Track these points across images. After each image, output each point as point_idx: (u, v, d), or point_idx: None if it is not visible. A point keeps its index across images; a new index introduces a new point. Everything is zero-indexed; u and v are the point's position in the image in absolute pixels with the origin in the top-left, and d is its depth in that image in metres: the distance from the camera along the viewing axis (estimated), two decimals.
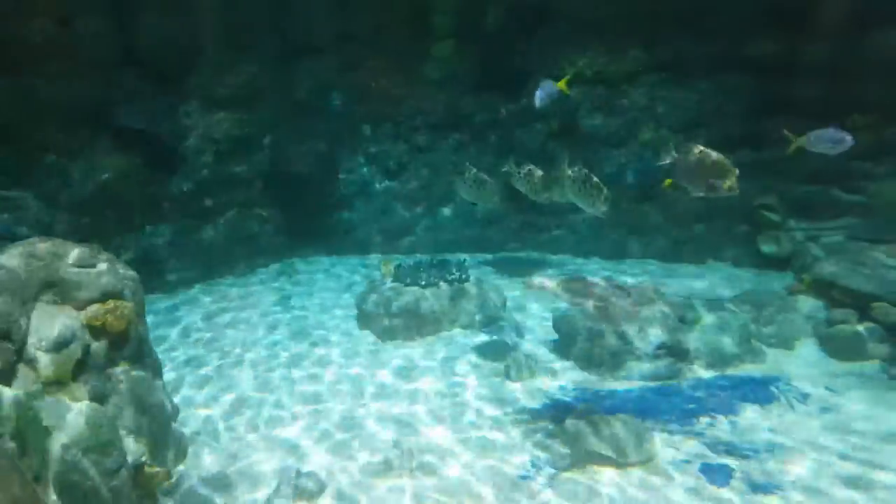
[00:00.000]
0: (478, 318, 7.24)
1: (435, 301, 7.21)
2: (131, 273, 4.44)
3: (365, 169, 10.44)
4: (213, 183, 9.15)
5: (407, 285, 7.36)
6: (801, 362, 6.04)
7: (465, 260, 8.35)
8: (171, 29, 8.73)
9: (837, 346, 6.09)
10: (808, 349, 6.23)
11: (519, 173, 7.67)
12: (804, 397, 5.46)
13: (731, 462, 4.65)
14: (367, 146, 10.43)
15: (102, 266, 4.20)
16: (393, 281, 7.48)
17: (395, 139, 10.40)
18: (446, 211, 10.36)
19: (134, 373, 4.20)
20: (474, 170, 7.80)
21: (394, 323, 7.06)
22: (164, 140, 8.86)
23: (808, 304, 6.45)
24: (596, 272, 8.90)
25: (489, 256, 9.81)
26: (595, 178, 6.30)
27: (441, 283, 7.43)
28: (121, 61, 8.39)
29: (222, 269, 9.14)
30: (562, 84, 7.04)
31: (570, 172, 6.45)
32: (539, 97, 6.79)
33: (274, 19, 9.69)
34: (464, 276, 7.57)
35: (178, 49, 8.87)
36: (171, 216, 8.79)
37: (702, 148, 5.33)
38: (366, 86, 10.20)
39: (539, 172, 7.54)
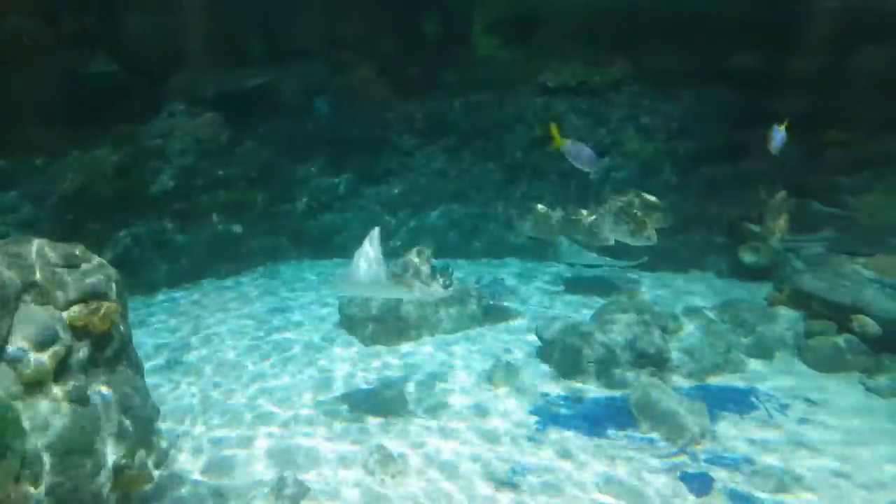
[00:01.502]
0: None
1: (417, 306, 7.20)
2: (115, 273, 4.39)
3: (349, 172, 10.43)
4: (196, 184, 9.09)
5: None
6: (781, 373, 6.12)
7: (448, 265, 8.36)
8: (158, 29, 8.69)
9: (816, 358, 6.19)
10: (787, 360, 6.33)
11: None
12: (783, 408, 5.54)
13: (711, 471, 4.70)
14: (351, 150, 10.42)
15: (86, 266, 4.15)
16: None
17: (381, 143, 10.41)
18: (432, 216, 10.37)
19: (116, 374, 4.15)
20: (539, 206, 7.62)
21: (376, 327, 7.04)
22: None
23: (787, 315, 6.56)
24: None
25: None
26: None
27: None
28: (106, 61, 8.34)
29: (204, 272, 9.04)
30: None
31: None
32: (775, 146, 6.73)
33: (263, 23, 9.68)
34: (447, 283, 7.57)
35: (165, 49, 8.83)
36: (153, 216, 8.70)
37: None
38: (354, 90, 10.23)
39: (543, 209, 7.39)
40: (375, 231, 4.74)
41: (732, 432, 5.21)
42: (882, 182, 7.98)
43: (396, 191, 10.39)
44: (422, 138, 10.42)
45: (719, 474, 4.66)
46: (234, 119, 9.47)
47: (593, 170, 6.54)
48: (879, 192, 8.01)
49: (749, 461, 4.82)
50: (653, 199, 6.81)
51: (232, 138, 9.44)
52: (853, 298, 6.29)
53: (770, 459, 4.84)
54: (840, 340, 6.16)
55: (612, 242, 7.07)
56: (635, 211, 6.44)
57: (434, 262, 6.29)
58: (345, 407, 5.58)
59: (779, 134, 6.67)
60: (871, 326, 6.09)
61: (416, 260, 5.09)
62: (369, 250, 4.65)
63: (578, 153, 6.44)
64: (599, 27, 9.64)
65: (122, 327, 4.31)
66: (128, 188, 8.43)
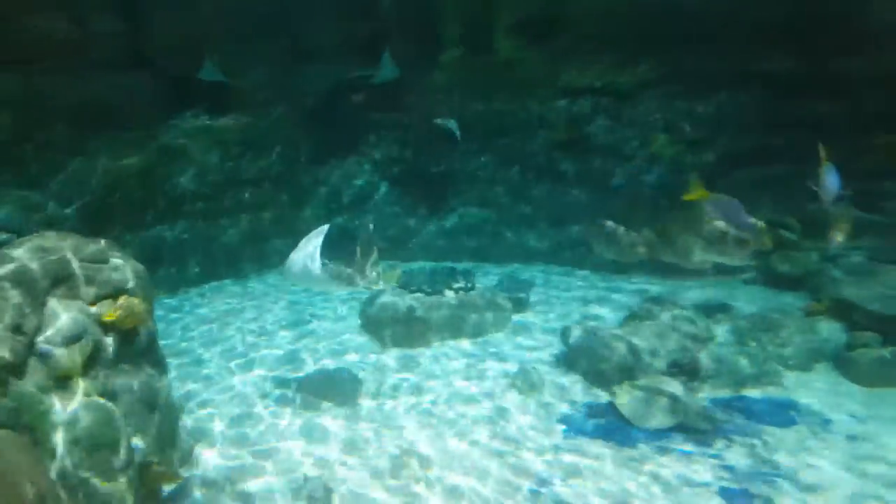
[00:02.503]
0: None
1: (439, 310, 7.07)
2: (142, 270, 4.33)
3: (369, 174, 10.35)
4: (219, 184, 9.06)
5: (412, 292, 7.24)
6: (821, 386, 5.88)
7: (470, 269, 8.25)
8: (183, 30, 8.67)
9: (860, 371, 5.92)
10: (827, 373, 6.08)
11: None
12: (826, 423, 5.30)
13: (751, 488, 4.51)
14: (372, 152, 10.35)
15: (115, 262, 4.10)
16: (398, 287, 7.36)
17: (401, 146, 10.33)
18: (451, 219, 10.25)
19: (143, 370, 4.09)
20: (611, 223, 7.02)
21: (396, 330, 6.92)
22: None
23: (826, 325, 6.33)
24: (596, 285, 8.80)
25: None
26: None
27: (446, 292, 7.30)
28: (131, 62, 8.34)
29: (229, 271, 9.00)
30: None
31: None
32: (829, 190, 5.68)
33: (284, 24, 9.63)
34: (469, 285, 7.46)
35: (190, 51, 8.82)
36: (180, 215, 8.67)
37: None
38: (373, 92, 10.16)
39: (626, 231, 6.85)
40: (322, 228, 5.03)
41: (772, 447, 4.99)
42: None
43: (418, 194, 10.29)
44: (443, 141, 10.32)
45: (760, 490, 4.47)
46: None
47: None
48: None
49: (791, 478, 4.61)
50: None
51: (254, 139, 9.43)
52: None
53: (814, 476, 4.63)
54: (886, 353, 5.88)
55: (707, 266, 6.46)
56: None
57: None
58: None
59: (831, 174, 5.62)
60: None
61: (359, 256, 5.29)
62: (308, 247, 4.90)
63: (726, 213, 5.68)
64: (626, 27, 9.48)
65: (148, 324, 4.24)
66: (153, 187, 8.42)
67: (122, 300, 3.92)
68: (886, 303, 5.82)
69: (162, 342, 4.57)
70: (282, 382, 6.00)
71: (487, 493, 4.42)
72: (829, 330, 6.30)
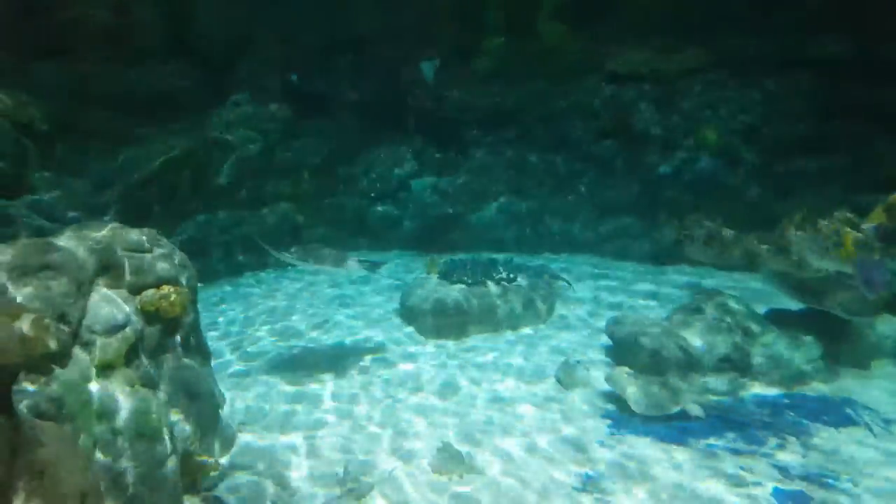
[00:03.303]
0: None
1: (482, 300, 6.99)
2: (185, 259, 4.35)
3: (410, 163, 10.29)
4: (261, 173, 9.12)
5: (452, 283, 7.17)
6: (881, 385, 5.60)
7: (511, 259, 8.14)
8: (224, 20, 8.73)
9: None
10: (887, 371, 5.80)
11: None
12: (887, 423, 5.06)
13: (806, 489, 4.32)
14: (412, 140, 10.29)
15: (158, 251, 4.11)
16: (439, 278, 7.31)
17: (441, 133, 10.25)
18: (489, 211, 10.12)
19: (185, 360, 4.11)
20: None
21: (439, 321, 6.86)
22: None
23: (886, 321, 6.02)
24: (643, 277, 8.56)
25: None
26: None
27: (488, 283, 7.21)
28: (173, 51, 8.42)
29: (270, 260, 9.07)
30: None
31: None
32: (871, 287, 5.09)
33: (329, 13, 9.62)
34: (512, 276, 7.36)
35: (230, 40, 8.88)
36: (220, 205, 8.76)
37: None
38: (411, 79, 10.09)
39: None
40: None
41: (828, 447, 4.78)
42: None
43: (460, 181, 10.20)
44: (483, 129, 10.21)
45: (817, 493, 4.27)
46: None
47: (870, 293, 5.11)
48: None
49: (851, 481, 4.40)
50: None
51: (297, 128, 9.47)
52: None
53: (873, 481, 4.40)
54: None
55: (820, 273, 5.71)
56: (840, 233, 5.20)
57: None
58: None
59: (866, 268, 4.98)
60: None
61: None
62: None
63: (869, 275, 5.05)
64: (672, 13, 9.18)
65: (191, 313, 4.26)
66: (196, 176, 8.52)
67: (165, 289, 3.94)
68: None
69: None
70: None
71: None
72: (890, 326, 5.99)
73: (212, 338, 6.52)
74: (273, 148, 9.31)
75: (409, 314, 7.19)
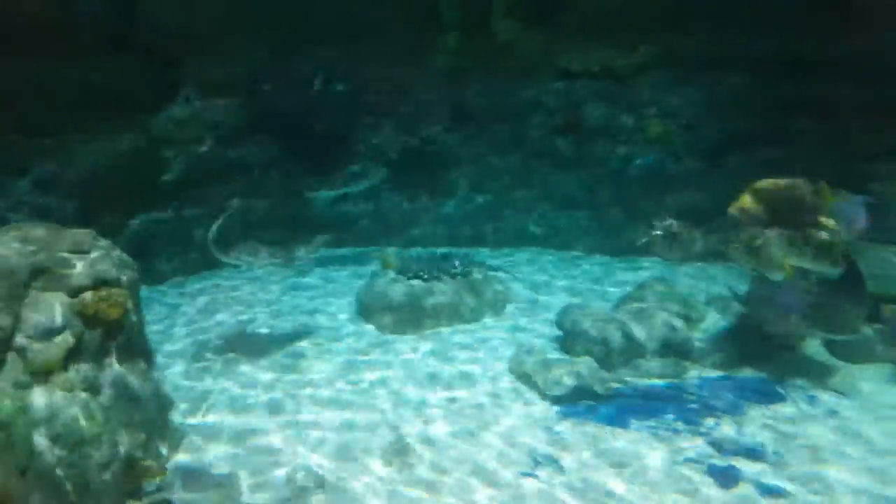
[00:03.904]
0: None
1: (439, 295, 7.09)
2: (127, 260, 4.34)
3: (366, 159, 10.31)
4: (211, 171, 9.03)
5: (409, 278, 7.26)
6: (809, 363, 5.90)
7: (468, 254, 8.26)
8: (174, 13, 8.60)
9: (845, 349, 5.94)
10: (814, 350, 6.09)
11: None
12: (811, 399, 5.35)
13: (738, 463, 4.55)
14: (369, 136, 10.30)
15: (97, 252, 4.10)
16: (396, 273, 7.38)
17: (398, 130, 10.28)
18: (448, 205, 10.23)
19: (128, 363, 4.10)
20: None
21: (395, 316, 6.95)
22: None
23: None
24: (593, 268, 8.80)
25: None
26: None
27: (444, 277, 7.32)
28: (119, 45, 8.26)
29: (218, 260, 8.98)
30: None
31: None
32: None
33: (283, 6, 9.54)
34: (467, 269, 7.48)
35: (178, 34, 8.75)
36: (166, 204, 8.65)
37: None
38: (369, 76, 10.08)
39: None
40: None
41: (760, 423, 5.04)
42: None
43: (416, 179, 10.25)
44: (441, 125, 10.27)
45: (746, 466, 4.51)
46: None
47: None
48: None
49: (776, 453, 4.66)
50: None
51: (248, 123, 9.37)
52: (885, 287, 6.06)
53: (797, 451, 4.68)
54: (870, 331, 5.90)
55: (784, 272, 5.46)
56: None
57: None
58: None
59: (848, 208, 4.97)
60: None
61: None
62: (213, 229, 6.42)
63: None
64: (624, 10, 9.38)
65: (134, 315, 4.26)
66: (141, 175, 8.39)
67: (104, 292, 3.93)
68: (872, 281, 5.79)
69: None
70: None
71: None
72: None
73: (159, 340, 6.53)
74: (224, 145, 9.21)
75: (365, 311, 7.26)
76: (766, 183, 5.21)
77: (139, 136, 8.49)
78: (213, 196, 9.02)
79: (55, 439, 3.29)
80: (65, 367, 3.56)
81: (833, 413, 5.17)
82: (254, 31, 9.42)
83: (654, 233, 6.88)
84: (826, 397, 5.38)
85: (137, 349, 4.25)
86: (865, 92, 7.90)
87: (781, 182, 5.18)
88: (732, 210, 5.26)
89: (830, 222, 5.07)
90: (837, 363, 5.92)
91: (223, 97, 9.26)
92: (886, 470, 4.44)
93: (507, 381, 5.79)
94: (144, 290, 5.04)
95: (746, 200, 5.21)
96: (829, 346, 6.06)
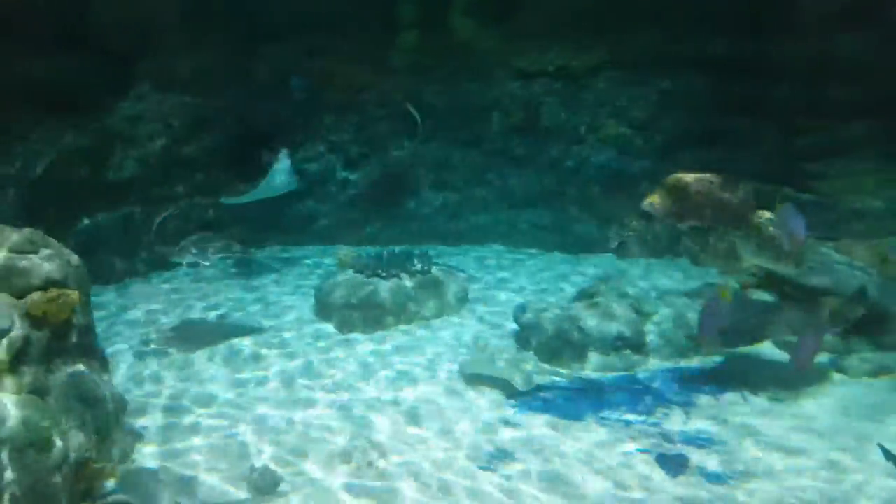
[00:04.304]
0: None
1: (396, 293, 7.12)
2: (76, 260, 4.26)
3: (326, 158, 10.27)
4: (166, 168, 8.89)
5: (367, 277, 7.27)
6: (754, 355, 6.13)
7: (427, 251, 8.30)
8: (127, 7, 8.43)
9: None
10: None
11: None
12: (754, 389, 5.55)
13: (686, 452, 4.71)
14: (327, 134, 10.26)
15: (45, 252, 4.02)
16: (354, 272, 7.39)
17: (358, 128, 10.26)
18: (408, 204, 10.26)
19: (78, 365, 4.04)
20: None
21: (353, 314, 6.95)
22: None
23: (760, 298, 6.56)
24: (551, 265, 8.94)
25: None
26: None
27: (403, 275, 7.36)
28: (69, 39, 8.05)
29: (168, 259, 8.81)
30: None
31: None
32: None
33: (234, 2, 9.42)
34: (426, 267, 7.53)
35: (132, 29, 8.58)
36: (118, 203, 8.47)
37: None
38: (328, 73, 10.04)
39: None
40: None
41: (708, 413, 5.23)
42: (847, 167, 8.06)
43: (375, 177, 10.26)
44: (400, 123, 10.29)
45: (694, 455, 4.68)
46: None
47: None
48: (845, 177, 8.08)
49: (723, 442, 4.84)
50: None
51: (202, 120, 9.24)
52: (824, 281, 6.32)
53: (742, 439, 4.87)
54: None
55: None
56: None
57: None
58: None
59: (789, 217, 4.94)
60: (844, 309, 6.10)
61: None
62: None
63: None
64: (579, 11, 9.54)
65: (83, 317, 4.19)
66: (93, 174, 8.21)
67: (52, 292, 3.86)
68: (813, 275, 6.05)
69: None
70: None
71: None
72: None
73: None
74: (180, 142, 9.06)
75: (323, 310, 7.24)
76: (673, 178, 5.39)
77: (90, 134, 8.28)
78: (165, 194, 8.89)
79: (3, 442, 3.22)
80: (12, 370, 3.49)
81: (778, 401, 5.39)
82: (210, 28, 9.30)
83: (626, 234, 7.08)
84: (772, 388, 5.59)
85: (87, 350, 4.18)
86: (810, 93, 8.22)
87: (689, 177, 5.35)
88: (645, 205, 5.45)
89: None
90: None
91: (178, 94, 9.11)
92: (835, 460, 4.62)
93: (463, 377, 5.86)
94: (94, 291, 4.96)
95: (656, 196, 5.41)
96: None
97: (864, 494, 4.21)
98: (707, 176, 5.39)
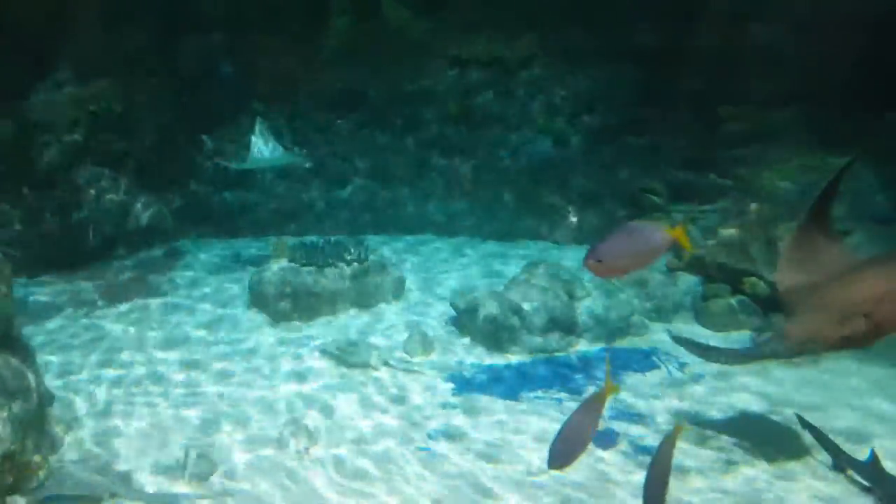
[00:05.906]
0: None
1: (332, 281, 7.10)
2: None
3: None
4: (88, 158, 8.52)
5: (303, 265, 7.21)
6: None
7: (363, 240, 8.28)
8: None
9: (712, 318, 6.58)
10: (686, 322, 6.69)
11: None
12: (682, 366, 5.88)
13: (616, 427, 4.94)
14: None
15: None
16: (288, 262, 7.31)
17: (290, 118, 10.10)
18: (344, 193, 10.19)
19: (1, 356, 3.86)
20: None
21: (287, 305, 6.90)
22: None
23: (686, 280, 6.91)
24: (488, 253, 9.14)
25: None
26: None
27: (339, 264, 7.33)
28: None
29: (97, 253, 8.46)
30: None
31: None
32: None
33: None
34: (363, 256, 7.51)
35: (53, 14, 8.17)
36: (39, 194, 8.07)
37: None
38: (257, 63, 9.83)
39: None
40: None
41: (636, 390, 5.49)
42: (769, 155, 8.52)
43: (308, 166, 10.13)
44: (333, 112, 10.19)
45: (624, 428, 4.91)
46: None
47: None
48: (767, 164, 8.55)
49: (650, 416, 5.10)
50: None
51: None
52: (744, 263, 6.71)
53: (665, 414, 5.15)
54: (733, 301, 6.57)
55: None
56: None
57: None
58: None
59: None
60: (761, 287, 6.52)
61: None
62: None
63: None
64: (511, 2, 9.68)
65: (5, 308, 4.01)
66: (11, 166, 7.80)
67: None
68: (734, 257, 6.45)
69: None
70: None
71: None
72: (689, 283, 6.89)
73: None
74: (103, 130, 8.67)
75: (257, 300, 7.14)
76: None
77: (7, 121, 7.86)
78: (87, 183, 8.52)
79: None
80: None
81: (699, 377, 5.70)
82: (135, 14, 8.96)
83: (571, 219, 7.28)
84: (694, 364, 5.90)
85: (11, 342, 4.01)
86: (732, 83, 8.63)
87: None
88: None
89: None
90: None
91: (101, 80, 8.73)
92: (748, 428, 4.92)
93: (402, 361, 5.93)
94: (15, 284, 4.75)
95: None
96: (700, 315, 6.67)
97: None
98: None
